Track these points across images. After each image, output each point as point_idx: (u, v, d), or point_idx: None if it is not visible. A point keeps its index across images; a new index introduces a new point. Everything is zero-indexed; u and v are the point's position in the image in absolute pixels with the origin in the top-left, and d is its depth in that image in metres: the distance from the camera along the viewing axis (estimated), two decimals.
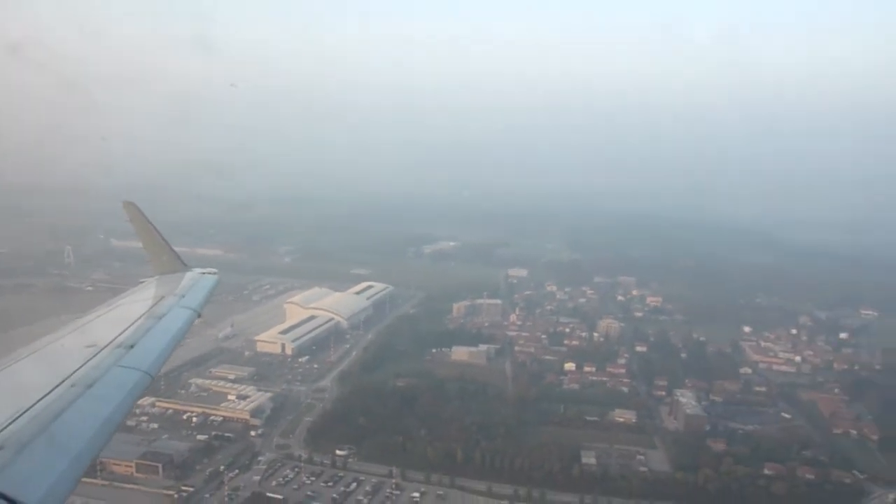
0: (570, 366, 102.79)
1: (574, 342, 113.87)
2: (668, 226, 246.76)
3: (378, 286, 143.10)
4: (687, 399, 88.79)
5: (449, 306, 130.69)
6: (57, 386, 8.88)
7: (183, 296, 14.72)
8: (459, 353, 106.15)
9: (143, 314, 13.09)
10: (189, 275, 16.80)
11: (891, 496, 71.89)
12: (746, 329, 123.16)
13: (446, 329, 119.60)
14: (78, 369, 9.59)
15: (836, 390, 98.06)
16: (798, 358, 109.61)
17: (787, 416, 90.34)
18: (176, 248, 17.96)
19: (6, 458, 6.59)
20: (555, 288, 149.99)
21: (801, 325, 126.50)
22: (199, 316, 14.13)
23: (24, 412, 7.85)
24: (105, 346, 10.76)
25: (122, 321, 12.43)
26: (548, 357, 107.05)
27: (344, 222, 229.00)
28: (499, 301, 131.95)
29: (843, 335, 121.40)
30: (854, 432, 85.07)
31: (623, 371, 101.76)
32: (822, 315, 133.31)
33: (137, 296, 15.41)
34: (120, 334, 11.50)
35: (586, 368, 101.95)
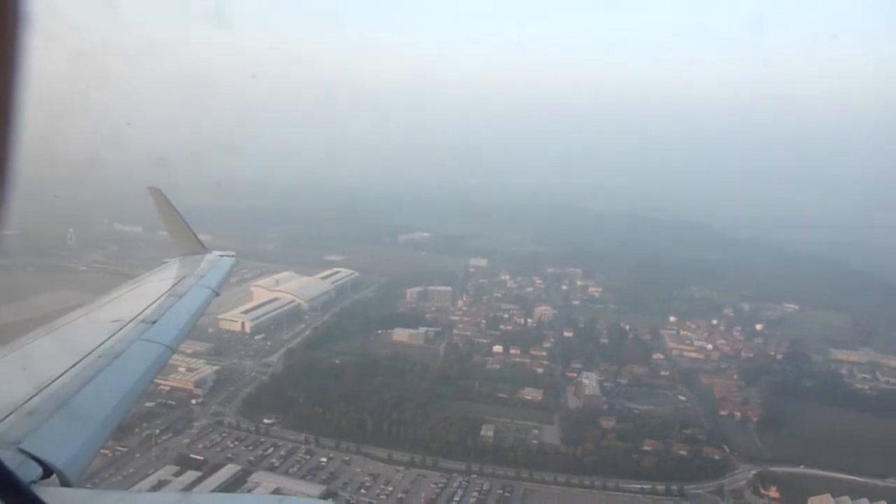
0: (497, 348, 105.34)
1: (508, 327, 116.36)
2: (639, 224, 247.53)
3: (344, 272, 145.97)
4: (590, 380, 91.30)
5: (404, 292, 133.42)
6: (85, 357, 8.93)
7: (203, 276, 14.83)
8: (400, 334, 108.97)
9: (166, 292, 13.14)
10: (208, 257, 16.92)
11: (752, 471, 74.29)
12: (672, 319, 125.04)
13: (396, 312, 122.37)
14: (104, 342, 9.65)
15: (735, 376, 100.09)
16: (710, 346, 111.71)
17: (682, 398, 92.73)
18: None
19: (36, 423, 6.61)
20: (508, 277, 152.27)
21: (724, 316, 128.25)
22: (218, 294, 14.42)
23: (54, 381, 7.88)
24: (129, 321, 10.84)
25: (146, 298, 12.47)
26: (481, 340, 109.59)
27: (335, 213, 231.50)
28: (449, 288, 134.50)
29: (758, 326, 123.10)
30: (738, 414, 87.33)
31: (544, 354, 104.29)
32: (746, 307, 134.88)
33: (160, 275, 15.43)
34: (143, 310, 11.54)
35: (512, 351, 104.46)
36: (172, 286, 13.56)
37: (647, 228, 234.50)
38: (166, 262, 16.91)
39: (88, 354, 9.00)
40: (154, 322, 10.87)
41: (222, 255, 17.09)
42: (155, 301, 12.24)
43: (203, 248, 17.56)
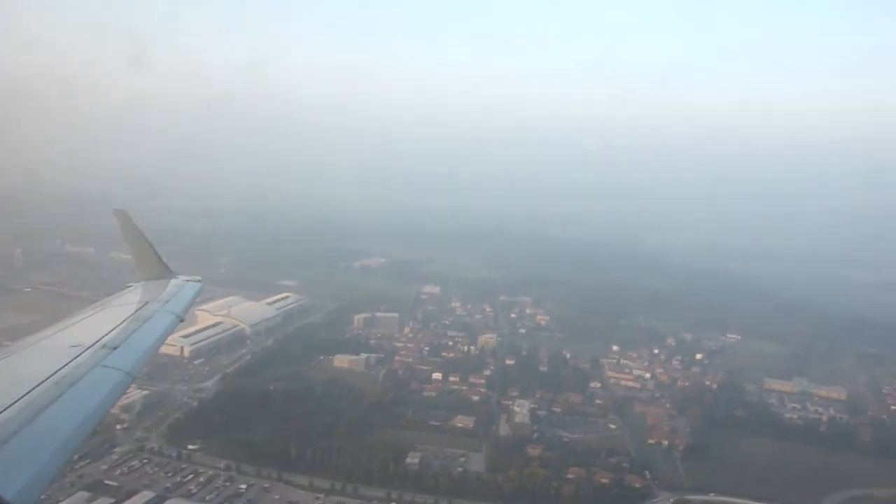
0: (437, 375, 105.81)
1: (451, 354, 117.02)
2: (598, 252, 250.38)
3: (293, 297, 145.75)
4: (521, 408, 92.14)
5: (352, 317, 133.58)
6: (41, 383, 8.64)
7: (167, 301, 14.45)
8: (341, 360, 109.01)
9: (128, 317, 12.81)
10: (174, 281, 16.52)
11: (671, 499, 75.39)
12: (615, 348, 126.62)
13: (340, 338, 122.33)
14: (62, 368, 9.32)
15: (668, 405, 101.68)
16: (647, 375, 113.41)
17: (613, 426, 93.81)
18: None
19: None
20: (458, 304, 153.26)
21: (666, 346, 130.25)
22: (182, 320, 14.01)
23: (8, 408, 7.64)
24: (90, 347, 10.46)
25: (108, 323, 12.14)
26: (422, 367, 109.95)
27: (294, 236, 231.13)
28: (396, 314, 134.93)
29: (698, 356, 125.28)
30: (665, 443, 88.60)
31: (483, 381, 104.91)
32: (689, 337, 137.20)
33: (123, 300, 15.03)
34: (105, 335, 11.21)
35: (451, 378, 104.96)
36: (136, 311, 13.37)
37: (605, 256, 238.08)
38: (130, 286, 16.70)
39: (45, 381, 8.75)
40: (115, 348, 10.66)
41: (188, 280, 16.87)
42: (117, 326, 12.03)
43: (168, 273, 17.35)
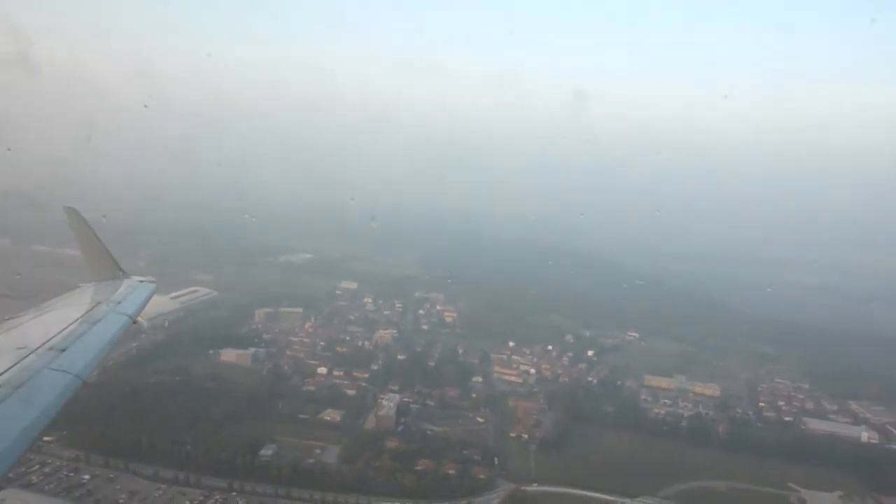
0: (322, 370, 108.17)
1: (344, 349, 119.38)
2: (532, 252, 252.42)
3: (202, 291, 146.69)
4: (390, 402, 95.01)
5: (254, 312, 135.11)
6: None
7: (119, 302, 14.09)
8: (228, 354, 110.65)
9: (78, 319, 12.40)
10: (127, 282, 16.13)
11: (508, 489, 78.77)
12: (511, 344, 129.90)
13: (237, 333, 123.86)
14: (7, 370, 9.05)
15: (542, 400, 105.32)
16: (533, 370, 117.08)
17: (480, 420, 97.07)
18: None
19: None
20: (370, 300, 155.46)
21: (563, 343, 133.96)
22: (135, 322, 13.76)
23: None
24: (36, 349, 10.14)
25: (56, 325, 11.76)
26: (310, 361, 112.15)
27: (225, 229, 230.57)
28: (300, 309, 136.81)
29: (590, 352, 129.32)
30: (526, 436, 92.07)
31: (366, 376, 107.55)
32: (588, 334, 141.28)
33: (73, 300, 14.67)
34: (52, 337, 10.87)
35: (336, 373, 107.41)
36: (86, 312, 13.02)
37: (538, 256, 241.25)
38: (80, 287, 16.27)
39: None
40: (63, 350, 10.36)
41: (142, 281, 16.57)
42: (66, 328, 11.65)
43: (121, 273, 16.93)
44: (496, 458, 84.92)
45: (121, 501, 70.12)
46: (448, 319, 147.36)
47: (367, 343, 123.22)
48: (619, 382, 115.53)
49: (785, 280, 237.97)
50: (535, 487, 79.08)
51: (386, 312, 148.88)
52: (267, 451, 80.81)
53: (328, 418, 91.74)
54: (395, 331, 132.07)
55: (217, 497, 72.07)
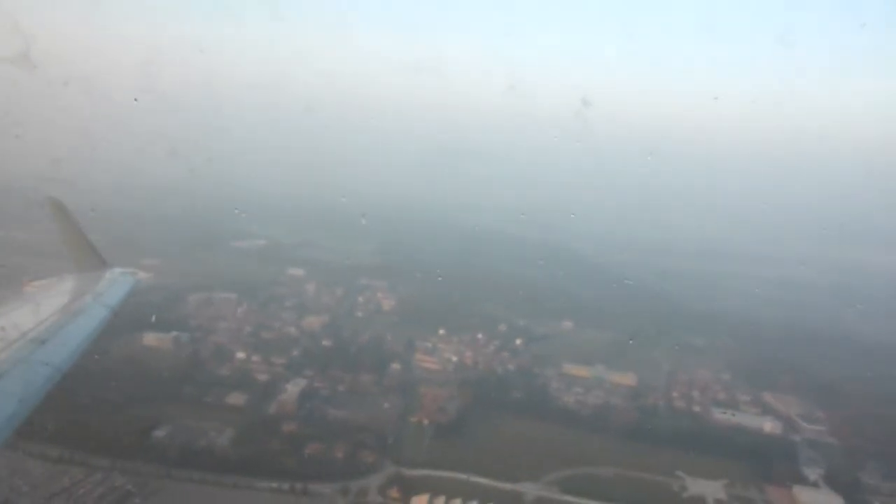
0: (241, 355, 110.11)
1: (270, 335, 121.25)
2: (497, 241, 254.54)
3: (142, 275, 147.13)
4: (294, 386, 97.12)
5: (187, 297, 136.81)
6: None
7: (101, 294, 13.59)
8: (150, 338, 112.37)
9: (59, 310, 12.07)
10: (109, 274, 15.34)
11: (394, 470, 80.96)
12: (441, 332, 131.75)
13: (167, 318, 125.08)
14: None
15: (455, 387, 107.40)
16: (455, 358, 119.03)
17: (387, 405, 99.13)
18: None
19: None
20: (312, 287, 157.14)
21: (495, 331, 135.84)
22: (116, 314, 13.10)
23: None
24: (16, 340, 9.84)
25: (37, 315, 11.67)
26: (232, 346, 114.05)
27: (186, 214, 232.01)
28: (234, 295, 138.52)
29: (518, 341, 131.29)
30: (426, 421, 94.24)
31: (284, 361, 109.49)
32: (522, 323, 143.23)
33: (54, 291, 13.85)
34: (33, 328, 10.70)
35: (254, 358, 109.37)
36: (67, 303, 12.88)
37: (500, 245, 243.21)
38: (62, 277, 15.92)
39: None
40: (44, 342, 10.30)
41: (124, 272, 16.06)
42: (47, 319, 11.62)
43: (103, 265, 16.36)
44: (389, 443, 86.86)
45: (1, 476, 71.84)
46: (386, 307, 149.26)
47: (293, 329, 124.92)
48: (537, 371, 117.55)
49: (754, 275, 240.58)
50: (417, 471, 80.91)
51: (325, 299, 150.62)
52: (160, 433, 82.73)
53: (233, 402, 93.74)
54: (327, 317, 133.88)
55: (98, 475, 73.91)
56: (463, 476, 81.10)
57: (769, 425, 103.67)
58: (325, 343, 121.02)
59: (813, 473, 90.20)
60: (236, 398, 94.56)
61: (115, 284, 14.94)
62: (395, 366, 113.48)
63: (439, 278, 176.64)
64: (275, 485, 75.19)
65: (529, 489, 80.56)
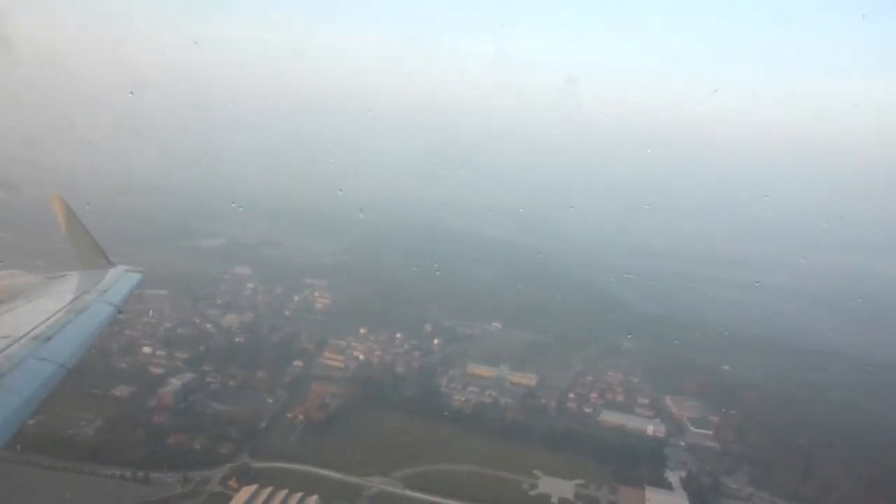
0: (147, 349, 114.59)
1: (186, 330, 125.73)
2: (472, 243, 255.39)
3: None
4: (179, 380, 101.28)
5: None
6: None
7: (105, 291, 14.27)
8: None
9: (63, 308, 12.39)
10: (113, 271, 16.37)
11: (244, 462, 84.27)
12: (363, 331, 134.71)
13: None
14: None
15: (349, 384, 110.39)
16: (362, 357, 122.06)
17: (270, 401, 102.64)
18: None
19: None
20: (253, 286, 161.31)
21: (418, 331, 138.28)
22: (121, 312, 14.03)
23: None
24: (20, 338, 10.11)
25: (41, 313, 11.78)
26: (144, 341, 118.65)
27: (157, 213, 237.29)
28: (165, 291, 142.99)
29: (436, 341, 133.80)
30: (302, 417, 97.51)
31: (186, 356, 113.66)
32: (449, 324, 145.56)
33: (58, 289, 14.79)
34: (37, 326, 10.84)
35: (158, 352, 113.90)
36: (71, 301, 13.14)
37: (463, 246, 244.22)
38: (65, 275, 16.64)
39: None
40: (49, 339, 10.43)
41: (129, 270, 16.88)
42: (51, 317, 11.69)
43: (108, 262, 17.33)
44: (253, 436, 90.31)
45: None
46: (319, 306, 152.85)
47: (210, 326, 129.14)
48: (441, 370, 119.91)
49: (729, 279, 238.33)
50: (268, 464, 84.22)
51: (260, 298, 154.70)
52: (31, 421, 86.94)
53: (117, 393, 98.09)
54: (251, 315, 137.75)
55: None
56: (311, 469, 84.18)
57: (653, 428, 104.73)
58: (238, 340, 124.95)
59: (674, 476, 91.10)
60: (122, 390, 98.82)
61: (120, 282, 15.95)
62: (298, 363, 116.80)
63: (388, 278, 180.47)
64: (118, 472, 78.72)
65: (375, 483, 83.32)
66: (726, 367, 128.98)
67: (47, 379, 9.18)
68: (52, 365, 9.48)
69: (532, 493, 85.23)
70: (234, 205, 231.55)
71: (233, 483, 79.18)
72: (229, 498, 76.43)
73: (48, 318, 11.58)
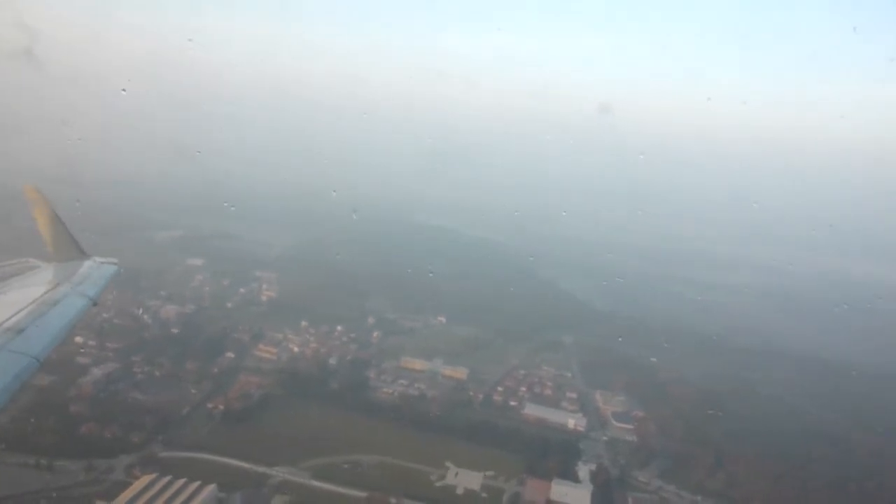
0: (78, 339, 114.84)
1: (122, 320, 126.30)
2: (446, 240, 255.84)
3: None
4: (99, 370, 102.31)
5: None
6: None
7: (79, 283, 13.96)
8: None
9: (36, 300, 12.39)
10: (88, 263, 16.15)
11: (151, 451, 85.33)
12: (304, 323, 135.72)
13: None
14: None
15: (273, 376, 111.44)
16: (296, 349, 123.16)
17: (194, 391, 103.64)
18: None
19: None
20: (202, 277, 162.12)
21: (359, 324, 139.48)
22: (95, 304, 13.64)
23: None
24: None
25: (13, 305, 11.81)
26: (77, 332, 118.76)
27: (124, 204, 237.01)
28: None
29: (375, 334, 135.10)
30: (221, 408, 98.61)
31: (117, 346, 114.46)
32: (392, 317, 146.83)
33: (31, 281, 14.57)
34: (9, 318, 10.82)
35: (90, 342, 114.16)
36: (45, 293, 13.14)
37: (428, 241, 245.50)
38: (39, 267, 16.55)
39: None
40: (21, 331, 10.47)
41: (104, 262, 16.67)
42: (23, 309, 11.79)
43: (82, 254, 17.18)
44: (168, 426, 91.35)
45: None
46: (264, 298, 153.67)
47: (147, 317, 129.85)
48: (375, 363, 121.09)
49: (699, 280, 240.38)
50: (176, 453, 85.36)
51: (206, 289, 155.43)
52: None
53: (38, 382, 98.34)
54: (192, 307, 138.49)
55: None
56: (220, 459, 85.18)
57: (574, 422, 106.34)
58: (174, 331, 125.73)
59: (584, 469, 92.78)
60: (42, 379, 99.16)
61: (94, 273, 15.91)
62: (230, 355, 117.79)
63: (342, 272, 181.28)
64: (23, 460, 79.66)
65: (281, 473, 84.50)
66: (653, 360, 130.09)
67: (20, 371, 9.02)
68: (24, 357, 9.39)
69: (438, 483, 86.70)
70: (225, 204, 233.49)
71: (136, 472, 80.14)
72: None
73: (21, 310, 11.55)
